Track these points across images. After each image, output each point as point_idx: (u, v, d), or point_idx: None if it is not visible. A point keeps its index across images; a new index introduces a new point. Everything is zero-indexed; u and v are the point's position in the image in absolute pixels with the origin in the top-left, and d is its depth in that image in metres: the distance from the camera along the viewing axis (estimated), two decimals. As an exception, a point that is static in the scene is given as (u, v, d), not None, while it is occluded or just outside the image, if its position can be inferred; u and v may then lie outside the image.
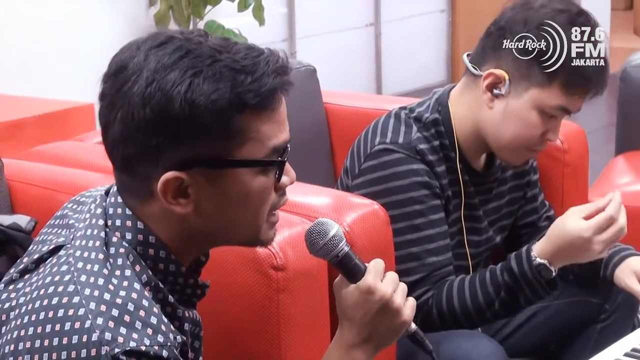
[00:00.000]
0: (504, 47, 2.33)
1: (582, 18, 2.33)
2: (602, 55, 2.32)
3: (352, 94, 3.27)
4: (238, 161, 1.45)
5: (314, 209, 2.10)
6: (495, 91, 2.33)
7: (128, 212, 1.48)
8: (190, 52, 1.42)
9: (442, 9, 7.42)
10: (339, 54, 6.35)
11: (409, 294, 2.15)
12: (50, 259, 1.49)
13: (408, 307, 1.67)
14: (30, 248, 1.58)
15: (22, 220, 2.15)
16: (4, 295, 1.49)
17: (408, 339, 1.73)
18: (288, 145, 1.50)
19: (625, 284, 2.35)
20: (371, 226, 2.12)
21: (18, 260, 1.57)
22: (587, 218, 2.18)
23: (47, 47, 4.91)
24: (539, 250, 2.22)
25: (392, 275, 1.67)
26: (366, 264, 1.66)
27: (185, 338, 1.46)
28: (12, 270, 1.54)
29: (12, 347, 1.40)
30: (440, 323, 2.28)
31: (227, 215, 1.49)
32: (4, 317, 1.46)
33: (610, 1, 9.13)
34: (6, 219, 2.15)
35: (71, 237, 1.51)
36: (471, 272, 2.44)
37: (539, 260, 2.21)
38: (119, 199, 1.49)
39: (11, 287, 1.50)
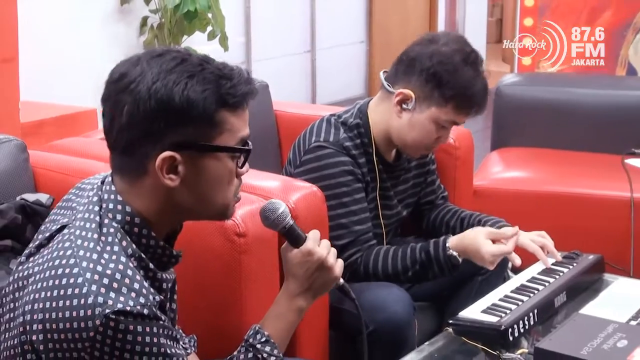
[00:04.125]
0: (413, 73, 2.32)
1: (473, 56, 2.33)
2: (485, 85, 2.33)
3: (294, 104, 3.26)
4: (218, 147, 1.46)
5: (267, 190, 2.09)
6: (404, 106, 2.33)
7: (119, 198, 1.46)
8: (184, 61, 1.43)
9: (361, 40, 7.45)
10: (284, 73, 6.36)
11: (340, 254, 2.14)
12: (57, 236, 1.48)
13: (338, 266, 1.72)
14: (43, 226, 1.57)
15: (43, 197, 2.13)
16: (25, 266, 1.48)
17: (337, 291, 1.76)
18: (249, 140, 1.51)
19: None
20: (311, 203, 2.11)
21: (35, 236, 1.55)
22: (493, 240, 2.23)
23: (62, 66, 4.86)
24: (453, 244, 2.26)
25: (326, 242, 1.71)
26: (306, 234, 1.69)
27: (162, 297, 1.44)
28: (30, 245, 1.53)
29: (29, 307, 1.39)
30: (365, 278, 2.29)
31: (204, 190, 1.48)
32: (24, 283, 1.45)
33: (485, 36, 9.21)
34: (31, 197, 2.13)
35: (73, 218, 1.49)
36: (384, 237, 2.45)
37: (451, 251, 2.25)
38: (112, 188, 1.48)
39: (30, 259, 1.49)
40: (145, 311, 1.37)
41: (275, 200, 1.70)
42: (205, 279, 1.95)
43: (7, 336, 1.45)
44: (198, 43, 5.15)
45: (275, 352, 1.62)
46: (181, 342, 1.69)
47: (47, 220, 1.57)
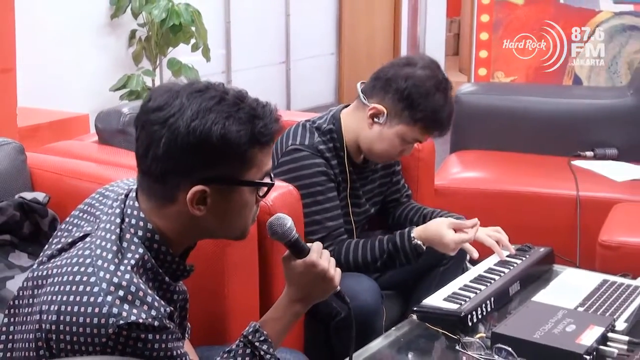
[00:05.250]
0: (388, 91, 2.32)
1: (444, 84, 2.33)
2: (452, 111, 2.34)
3: (272, 110, 3.24)
4: (246, 182, 1.44)
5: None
6: (375, 119, 2.33)
7: (142, 215, 1.44)
8: (222, 100, 1.40)
9: (332, 52, 7.44)
10: (261, 82, 6.34)
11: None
12: (79, 243, 1.46)
13: (337, 275, 1.66)
14: (64, 226, 1.55)
15: (40, 195, 2.11)
16: (45, 266, 1.46)
17: (334, 295, 1.70)
18: (272, 172, 1.51)
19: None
20: (287, 202, 2.10)
21: (54, 234, 1.54)
22: (454, 229, 2.25)
23: (56, 75, 4.82)
24: (417, 234, 2.27)
25: (327, 253, 1.66)
26: (308, 245, 1.64)
27: (172, 308, 1.43)
28: (53, 247, 1.51)
29: (45, 307, 1.37)
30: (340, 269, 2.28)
31: (228, 219, 1.48)
32: (43, 282, 1.43)
33: (444, 49, 9.24)
34: (28, 195, 2.11)
35: (95, 227, 1.47)
36: (354, 232, 2.45)
37: (416, 240, 2.26)
38: (136, 204, 1.45)
39: (51, 261, 1.46)
40: (156, 323, 1.36)
41: (281, 215, 1.63)
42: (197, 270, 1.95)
43: (22, 328, 1.44)
44: (182, 54, 5.13)
45: (271, 350, 1.59)
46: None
47: (68, 221, 1.55)
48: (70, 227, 1.53)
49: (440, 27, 9.18)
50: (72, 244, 1.47)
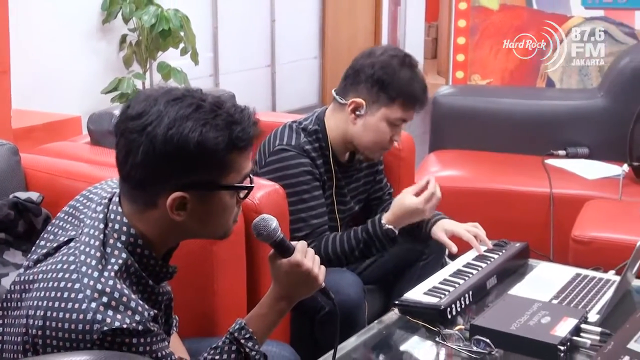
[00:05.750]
0: (359, 82, 2.32)
1: (408, 58, 2.35)
2: (424, 81, 2.35)
3: (258, 112, 3.23)
4: (225, 186, 1.41)
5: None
6: (357, 113, 2.33)
7: (125, 220, 1.42)
8: (200, 107, 1.37)
9: (315, 55, 7.44)
10: (248, 84, 6.33)
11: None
12: (63, 247, 1.44)
13: (321, 273, 1.63)
14: (50, 228, 1.52)
15: (34, 195, 2.10)
16: (31, 271, 1.44)
17: (321, 292, 1.68)
18: (251, 174, 1.48)
19: (438, 237, 2.38)
20: (273, 200, 2.10)
21: (41, 236, 1.51)
22: (415, 194, 2.26)
23: (49, 78, 4.79)
24: (386, 219, 2.28)
25: (312, 252, 1.63)
26: (293, 244, 1.61)
27: (156, 311, 1.41)
28: (39, 251, 1.48)
29: (32, 312, 1.36)
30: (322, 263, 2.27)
31: (209, 222, 1.45)
32: (29, 287, 1.41)
33: (423, 52, 9.26)
34: (23, 195, 2.09)
35: (80, 231, 1.45)
36: (339, 229, 2.44)
37: (386, 225, 2.26)
38: (119, 209, 1.43)
39: (37, 265, 1.44)
40: (140, 327, 1.34)
41: (266, 216, 1.61)
42: (182, 267, 1.92)
43: (11, 331, 1.42)
44: (171, 58, 5.10)
45: (257, 347, 1.57)
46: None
47: (54, 223, 1.53)
48: (56, 230, 1.51)
49: (419, 31, 9.20)
50: (57, 249, 1.45)
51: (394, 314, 2.00)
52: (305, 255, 1.60)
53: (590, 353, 1.74)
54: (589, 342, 1.78)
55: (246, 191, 1.47)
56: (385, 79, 2.29)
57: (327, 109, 2.45)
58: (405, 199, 2.28)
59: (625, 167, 3.40)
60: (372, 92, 2.30)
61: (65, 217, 1.52)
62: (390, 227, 2.26)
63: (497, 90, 4.25)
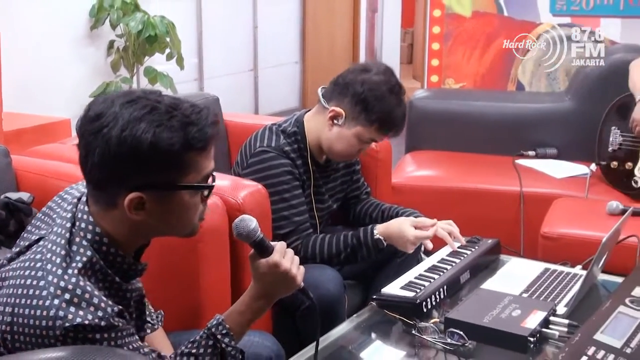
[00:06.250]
0: (346, 95, 2.32)
1: (397, 88, 2.33)
2: (404, 112, 2.35)
3: (240, 114, 3.24)
4: (183, 186, 1.38)
5: (221, 188, 2.06)
6: (335, 121, 2.34)
7: (91, 219, 1.40)
8: (154, 109, 1.34)
9: (296, 61, 7.44)
10: (232, 88, 6.32)
11: (284, 242, 2.10)
12: (34, 246, 1.42)
13: (300, 274, 1.60)
14: (29, 228, 1.50)
15: (24, 195, 2.08)
16: (5, 268, 1.42)
17: (300, 292, 1.65)
18: (213, 172, 1.44)
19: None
20: (256, 199, 2.09)
21: (20, 242, 1.49)
22: (415, 227, 2.27)
23: (39, 82, 4.76)
24: (380, 231, 2.29)
25: (291, 253, 1.60)
26: (273, 244, 1.58)
27: (121, 307, 1.38)
28: (13, 250, 1.47)
29: (0, 309, 1.34)
30: (304, 261, 2.25)
31: (170, 221, 1.42)
32: (2, 284, 1.39)
33: (399, 57, 9.27)
34: (14, 195, 2.08)
35: (50, 230, 1.43)
36: (318, 227, 2.44)
37: (378, 235, 2.28)
38: (86, 208, 1.41)
39: (11, 263, 1.43)
40: (103, 323, 1.32)
41: (246, 216, 1.58)
42: (169, 264, 1.93)
43: None
44: (158, 63, 5.08)
45: (233, 343, 1.55)
46: (149, 319, 1.66)
47: (32, 223, 1.51)
48: (32, 229, 1.49)
49: (395, 37, 9.21)
50: (29, 247, 1.43)
51: (372, 308, 2.00)
52: (284, 255, 1.57)
53: (559, 344, 1.75)
54: (557, 333, 1.79)
55: (208, 191, 1.44)
56: (370, 101, 2.28)
57: (307, 112, 2.45)
58: (404, 226, 2.26)
59: (593, 166, 3.42)
60: (354, 109, 2.30)
61: (41, 216, 1.50)
62: (380, 238, 2.27)
63: (469, 93, 4.26)
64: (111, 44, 5.07)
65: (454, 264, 2.19)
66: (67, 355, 1.17)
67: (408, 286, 2.03)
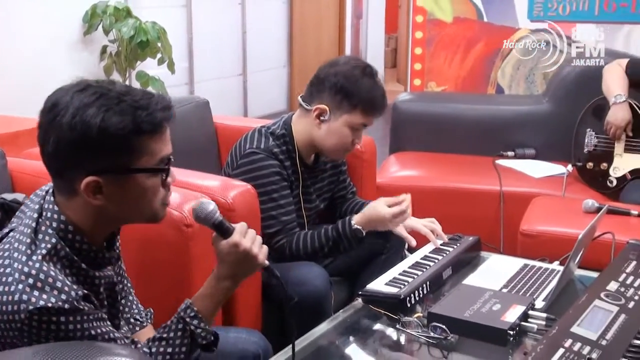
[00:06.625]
0: (324, 90, 2.32)
1: (369, 68, 2.34)
2: (383, 90, 2.35)
3: (231, 117, 3.23)
4: (136, 169, 1.38)
5: (210, 188, 2.06)
6: (322, 118, 2.33)
7: (56, 208, 1.40)
8: (103, 95, 1.35)
9: (284, 65, 7.44)
10: (221, 92, 6.31)
11: (270, 240, 2.11)
12: (5, 238, 1.43)
13: (262, 253, 1.60)
14: (6, 224, 1.51)
15: (20, 196, 2.04)
16: None
17: (265, 271, 1.66)
18: (171, 157, 1.43)
19: (398, 232, 2.39)
20: (245, 199, 2.09)
21: None
22: (389, 206, 2.26)
23: (34, 86, 4.70)
24: (356, 220, 2.27)
25: (252, 233, 1.60)
26: (234, 226, 1.59)
27: (87, 292, 1.38)
28: None
29: None
30: (291, 258, 2.28)
31: (130, 205, 1.42)
32: None
33: (383, 62, 9.29)
34: (9, 196, 2.04)
35: (20, 222, 1.44)
36: (306, 225, 2.44)
37: (355, 225, 2.26)
38: (52, 199, 1.42)
39: None
40: (67, 306, 1.32)
41: (204, 200, 1.60)
42: (160, 262, 1.92)
43: None
44: (149, 67, 5.07)
45: (202, 325, 1.56)
46: (130, 317, 1.66)
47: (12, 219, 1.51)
48: (7, 224, 1.50)
49: (380, 42, 9.24)
50: (1, 240, 1.44)
51: (358, 304, 2.00)
52: (244, 235, 1.58)
53: (537, 337, 1.76)
54: (535, 327, 1.79)
55: (166, 175, 1.43)
56: (348, 87, 2.29)
57: (293, 115, 2.45)
58: (378, 207, 2.26)
59: (570, 167, 3.44)
60: (335, 100, 2.30)
61: (19, 212, 1.51)
62: (358, 227, 2.26)
63: (451, 96, 4.27)
64: (104, 49, 5.05)
65: (436, 261, 2.20)
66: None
67: (392, 282, 2.03)
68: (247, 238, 1.58)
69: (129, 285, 1.68)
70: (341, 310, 1.99)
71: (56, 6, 4.88)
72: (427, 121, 3.91)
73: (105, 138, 1.32)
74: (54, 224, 1.39)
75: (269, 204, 2.26)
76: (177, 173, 1.69)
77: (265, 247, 1.62)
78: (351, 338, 1.90)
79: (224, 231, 1.58)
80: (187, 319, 1.55)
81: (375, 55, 8.71)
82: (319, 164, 2.49)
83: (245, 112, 6.83)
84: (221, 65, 6.49)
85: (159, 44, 4.89)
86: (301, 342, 1.80)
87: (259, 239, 1.61)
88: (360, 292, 2.01)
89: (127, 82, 4.98)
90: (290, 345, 1.65)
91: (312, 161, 2.47)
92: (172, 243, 1.87)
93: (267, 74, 7.17)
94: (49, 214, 1.40)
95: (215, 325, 1.67)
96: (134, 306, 1.70)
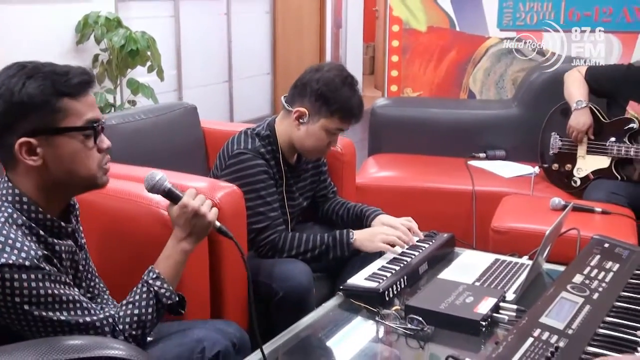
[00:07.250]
0: (305, 95, 2.32)
1: (349, 78, 2.34)
2: (361, 99, 2.35)
3: (217, 122, 3.21)
4: (62, 128, 1.43)
5: (199, 189, 2.01)
6: (301, 120, 2.33)
7: (10, 184, 1.46)
8: (24, 67, 1.43)
9: (268, 72, 7.42)
10: (208, 98, 6.29)
11: (259, 235, 2.12)
12: None
13: (212, 213, 1.69)
14: None
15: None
16: None
17: (219, 232, 1.73)
18: (101, 120, 1.48)
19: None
20: (232, 199, 2.08)
21: None
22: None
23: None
24: (357, 234, 2.29)
25: (202, 197, 1.69)
26: (183, 193, 1.68)
27: (46, 252, 1.42)
28: None
29: None
30: (281, 254, 2.28)
31: (66, 165, 1.46)
32: None
33: (362, 69, 9.30)
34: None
35: None
36: (290, 222, 2.44)
37: (353, 237, 2.29)
38: (6, 177, 1.47)
39: None
40: (27, 263, 1.36)
41: (154, 171, 1.69)
42: (149, 259, 1.90)
43: None
44: (140, 75, 5.04)
45: (165, 285, 1.62)
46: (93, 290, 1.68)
47: None
48: None
49: (358, 50, 9.25)
50: None
51: (339, 298, 2.00)
52: (193, 197, 1.66)
53: (508, 327, 1.77)
54: (506, 317, 1.80)
55: (94, 136, 1.47)
56: (328, 94, 2.29)
57: (277, 117, 2.45)
58: (376, 228, 2.33)
59: (537, 168, 3.47)
60: (315, 105, 2.31)
61: None
62: (353, 240, 2.28)
63: (426, 101, 4.28)
64: (96, 58, 5.01)
65: (413, 257, 2.20)
66: None
67: (372, 277, 2.03)
68: (196, 200, 1.67)
69: (92, 266, 1.71)
70: (323, 305, 1.99)
71: (50, 17, 4.84)
72: (403, 125, 3.92)
73: (27, 100, 1.39)
74: (9, 198, 1.44)
75: (257, 201, 2.26)
76: (169, 175, 1.70)
77: (215, 209, 1.69)
78: (333, 330, 1.90)
79: (175, 197, 1.68)
80: (150, 281, 1.61)
81: (354, 63, 8.71)
82: (301, 164, 2.49)
83: (231, 117, 6.81)
84: (208, 72, 6.46)
85: (149, 53, 4.86)
86: (285, 335, 1.80)
87: (209, 202, 1.69)
88: (341, 287, 2.01)
89: (118, 89, 4.97)
90: (274, 339, 1.64)
91: (295, 161, 2.46)
92: (160, 238, 1.83)
93: (252, 81, 7.15)
94: (4, 191, 1.45)
95: (202, 318, 1.66)
96: (98, 281, 1.72)
